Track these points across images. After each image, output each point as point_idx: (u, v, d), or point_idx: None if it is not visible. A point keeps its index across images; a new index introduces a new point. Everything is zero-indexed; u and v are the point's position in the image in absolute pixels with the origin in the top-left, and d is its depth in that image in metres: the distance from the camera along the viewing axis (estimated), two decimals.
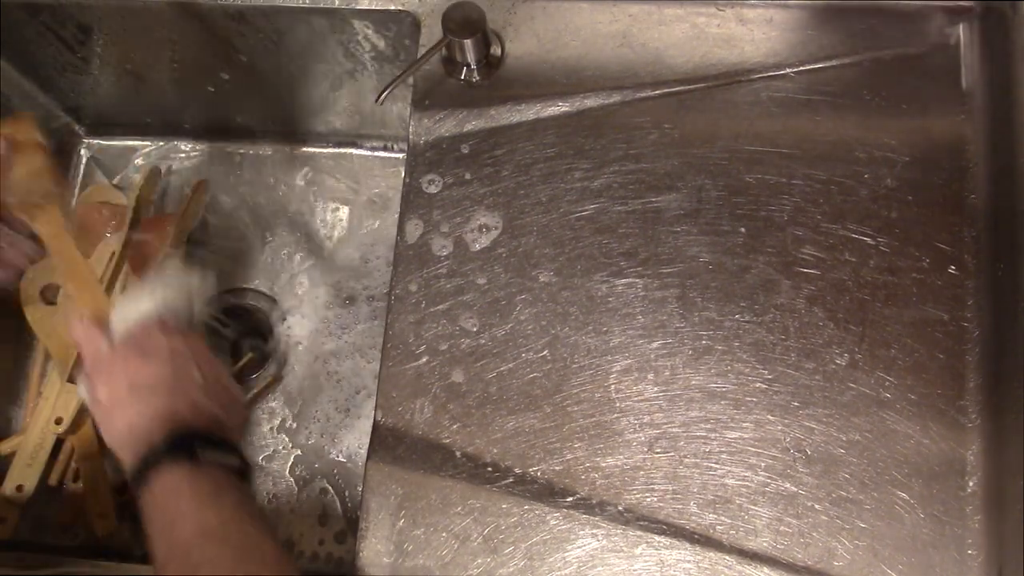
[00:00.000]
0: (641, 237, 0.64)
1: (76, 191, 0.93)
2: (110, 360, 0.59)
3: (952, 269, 0.62)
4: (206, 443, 0.54)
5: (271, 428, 0.83)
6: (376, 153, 0.92)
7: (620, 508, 0.58)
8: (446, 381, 0.61)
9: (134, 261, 0.85)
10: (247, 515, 0.51)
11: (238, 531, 0.50)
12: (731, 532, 0.57)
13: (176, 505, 0.51)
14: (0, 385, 0.85)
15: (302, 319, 0.86)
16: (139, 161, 0.94)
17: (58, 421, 0.78)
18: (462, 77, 0.69)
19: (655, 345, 0.61)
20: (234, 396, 0.61)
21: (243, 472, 0.57)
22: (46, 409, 0.79)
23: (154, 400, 0.56)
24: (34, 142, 0.66)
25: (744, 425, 0.59)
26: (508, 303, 0.63)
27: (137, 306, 0.62)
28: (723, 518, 0.57)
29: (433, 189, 0.66)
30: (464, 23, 0.65)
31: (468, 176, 0.66)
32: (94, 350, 0.60)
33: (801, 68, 0.67)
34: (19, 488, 0.77)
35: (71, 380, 0.75)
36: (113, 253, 0.84)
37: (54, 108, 0.91)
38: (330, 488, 0.81)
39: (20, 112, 0.74)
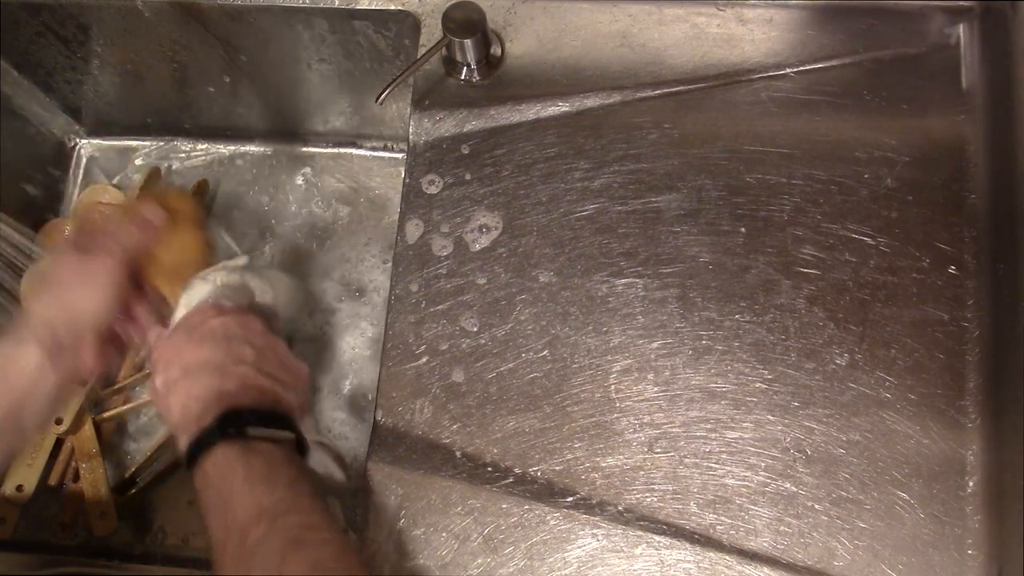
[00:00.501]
0: (641, 237, 0.64)
1: (76, 191, 0.93)
2: (165, 347, 0.58)
3: (952, 269, 0.62)
4: (258, 420, 0.53)
5: None
6: (376, 153, 0.92)
7: (620, 508, 0.58)
8: (446, 381, 0.61)
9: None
10: (302, 492, 0.51)
11: (292, 510, 0.49)
12: (731, 532, 0.57)
13: (230, 486, 0.50)
14: None
15: (301, 318, 0.86)
16: (139, 161, 0.94)
17: (58, 421, 0.78)
18: (462, 77, 0.69)
19: (655, 345, 0.61)
20: (294, 371, 0.60)
21: (299, 445, 0.56)
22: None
23: (204, 380, 0.55)
24: (192, 217, 0.65)
25: (744, 425, 0.59)
26: (508, 303, 0.63)
27: (194, 295, 0.61)
28: (723, 518, 0.57)
29: (433, 189, 0.66)
30: (464, 23, 0.65)
31: (468, 176, 0.66)
32: (155, 344, 0.60)
33: (801, 68, 0.67)
34: (19, 488, 0.77)
35: None
36: None
37: (54, 108, 0.91)
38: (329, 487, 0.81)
39: (179, 188, 0.74)
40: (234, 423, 0.52)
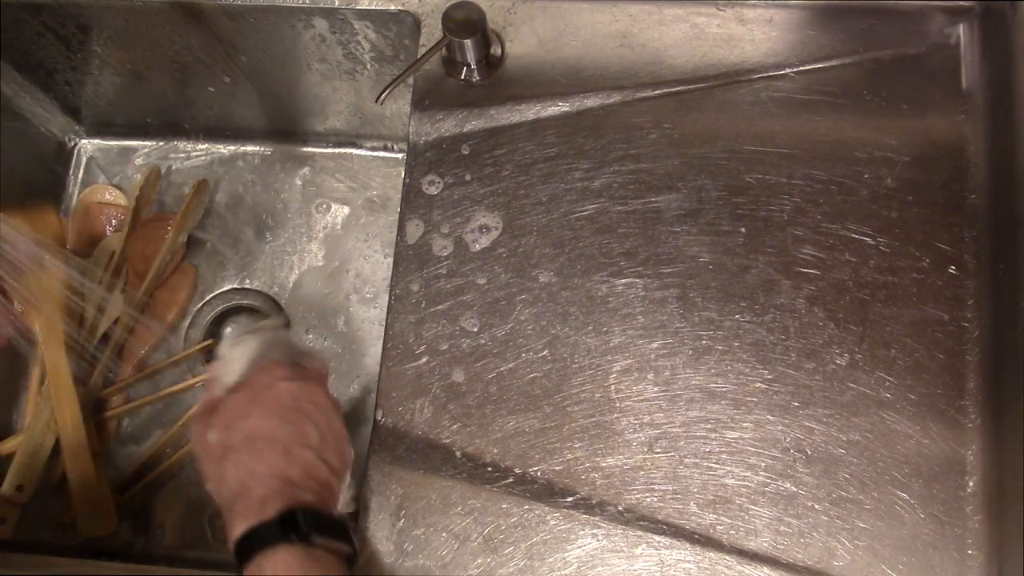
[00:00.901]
0: (641, 237, 0.64)
1: (76, 191, 0.93)
2: (229, 405, 0.54)
3: (952, 269, 0.62)
4: (318, 524, 0.50)
5: None
6: (376, 153, 0.92)
7: (620, 508, 0.58)
8: (446, 381, 0.61)
9: (134, 260, 0.85)
10: None
11: None
12: (731, 532, 0.57)
13: None
14: (0, 385, 0.85)
15: (302, 319, 0.86)
16: (139, 161, 0.94)
17: (19, 488, 0.78)
18: (462, 77, 0.69)
19: (655, 345, 0.61)
20: (346, 458, 0.56)
21: (351, 558, 0.52)
22: (45, 409, 0.79)
23: (269, 458, 0.51)
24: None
25: (744, 425, 0.59)
26: (508, 303, 0.63)
27: (241, 350, 0.57)
28: (723, 518, 0.57)
29: (433, 190, 0.66)
30: (464, 23, 0.65)
31: (468, 176, 0.66)
32: (210, 394, 0.57)
33: (801, 68, 0.67)
34: (19, 488, 0.77)
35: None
36: (114, 253, 0.84)
37: (54, 108, 0.91)
38: None
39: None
40: (298, 526, 0.49)
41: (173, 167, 0.93)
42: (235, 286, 0.88)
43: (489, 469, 0.59)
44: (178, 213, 0.86)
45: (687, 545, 0.57)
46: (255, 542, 0.48)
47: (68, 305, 0.81)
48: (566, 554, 0.57)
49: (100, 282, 0.83)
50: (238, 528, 0.49)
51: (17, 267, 0.76)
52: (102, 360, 0.81)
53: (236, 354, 0.57)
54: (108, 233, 0.87)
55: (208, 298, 0.87)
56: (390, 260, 0.65)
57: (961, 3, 0.67)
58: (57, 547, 0.80)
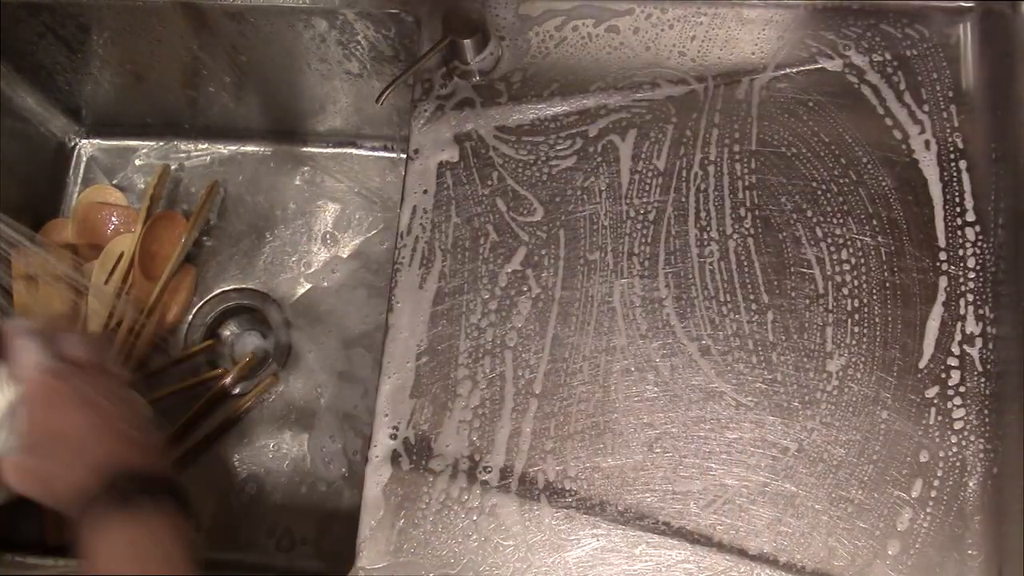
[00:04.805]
0: (641, 237, 0.64)
1: (76, 191, 0.93)
2: (26, 423, 0.54)
3: (952, 269, 0.62)
4: (139, 485, 0.51)
5: (271, 429, 0.83)
6: (376, 153, 0.92)
7: (620, 508, 0.58)
8: (446, 381, 0.61)
9: (143, 260, 0.85)
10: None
11: None
12: (731, 532, 0.57)
13: (106, 561, 0.49)
14: None
15: (301, 319, 0.86)
16: (139, 161, 0.93)
17: None
18: (462, 77, 0.69)
19: (655, 345, 0.61)
20: (143, 418, 0.57)
21: (183, 505, 0.53)
22: None
23: (77, 447, 0.53)
24: None
25: (744, 425, 0.59)
26: (508, 303, 0.63)
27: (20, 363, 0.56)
28: (723, 518, 0.57)
29: (433, 189, 0.66)
30: (464, 23, 0.65)
31: (468, 176, 0.66)
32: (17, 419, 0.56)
33: (801, 68, 0.67)
34: None
35: None
36: (122, 253, 0.84)
37: (54, 108, 0.91)
38: (330, 487, 0.81)
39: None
40: (121, 490, 0.50)
41: (173, 167, 0.93)
42: (235, 286, 0.88)
43: (489, 469, 0.59)
44: (193, 214, 0.86)
45: (687, 545, 0.57)
46: (87, 522, 0.49)
47: (72, 306, 0.81)
48: (566, 554, 0.57)
49: (106, 283, 0.83)
50: (73, 514, 0.50)
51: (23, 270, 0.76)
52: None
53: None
54: (109, 233, 0.87)
55: (208, 298, 0.87)
56: (390, 260, 0.65)
57: (961, 3, 0.67)
58: (58, 548, 0.80)
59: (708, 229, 0.64)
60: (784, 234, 0.63)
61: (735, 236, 0.63)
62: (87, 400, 0.54)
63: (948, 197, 0.63)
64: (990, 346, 0.60)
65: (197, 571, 0.49)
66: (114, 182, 0.93)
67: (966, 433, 0.59)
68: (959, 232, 0.62)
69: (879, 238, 0.63)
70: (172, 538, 0.50)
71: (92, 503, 0.50)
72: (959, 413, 0.59)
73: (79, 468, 0.51)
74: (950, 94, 0.65)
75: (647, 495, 0.58)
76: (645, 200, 0.65)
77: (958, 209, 0.63)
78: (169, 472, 0.54)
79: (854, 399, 0.59)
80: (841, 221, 0.63)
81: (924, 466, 0.58)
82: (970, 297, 0.61)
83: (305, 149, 0.93)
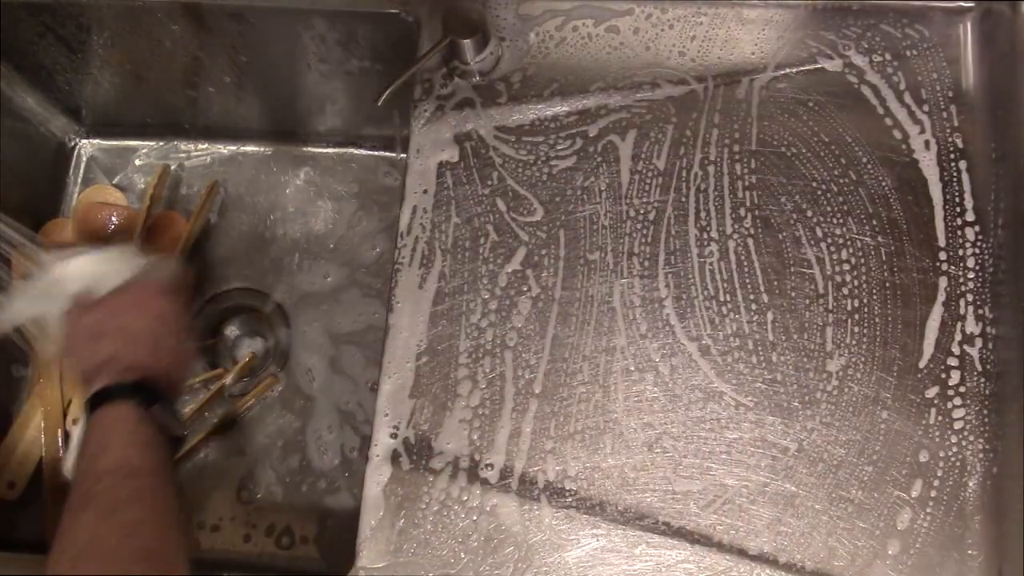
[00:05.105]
0: (641, 237, 0.64)
1: (76, 191, 0.93)
2: (109, 300, 0.65)
3: (952, 269, 0.62)
4: (162, 400, 0.60)
5: (271, 428, 0.83)
6: (376, 153, 0.92)
7: (620, 508, 0.58)
8: (446, 381, 0.61)
9: None
10: (165, 474, 0.57)
11: (149, 479, 0.56)
12: (731, 532, 0.57)
13: (114, 437, 0.57)
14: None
15: (302, 319, 0.86)
16: (139, 161, 0.93)
17: (75, 421, 0.79)
18: (462, 77, 0.69)
19: (655, 345, 0.61)
20: (188, 371, 0.69)
21: (178, 441, 0.63)
22: (37, 409, 0.79)
23: (137, 348, 0.62)
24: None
25: (744, 425, 0.59)
26: (508, 303, 0.63)
27: (113, 267, 0.67)
28: (723, 518, 0.57)
29: (433, 189, 0.66)
30: (464, 23, 0.65)
31: (468, 176, 0.66)
32: (88, 296, 0.66)
33: (801, 68, 0.67)
34: (11, 485, 0.78)
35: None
36: None
37: (54, 108, 0.91)
38: (330, 486, 0.81)
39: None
40: (146, 393, 0.59)
41: (173, 167, 0.93)
42: (235, 286, 0.88)
43: (489, 469, 0.59)
44: (193, 214, 0.86)
45: (687, 545, 0.57)
46: (109, 396, 0.59)
47: None
48: (566, 554, 0.57)
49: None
50: (98, 384, 0.59)
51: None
52: None
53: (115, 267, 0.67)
54: (109, 233, 0.87)
55: (208, 298, 0.87)
56: (390, 260, 0.65)
57: (961, 3, 0.67)
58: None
59: (708, 229, 0.64)
60: (784, 234, 0.63)
61: (735, 236, 0.63)
62: (166, 325, 0.65)
63: (948, 197, 0.63)
64: (990, 346, 0.60)
65: (157, 447, 0.58)
66: (114, 182, 0.93)
67: (966, 433, 0.59)
68: (959, 232, 0.62)
69: (879, 238, 0.63)
70: (163, 444, 0.59)
71: (117, 388, 0.59)
72: (959, 413, 0.59)
73: (123, 360, 0.61)
74: (950, 94, 0.65)
75: (647, 495, 0.58)
76: (645, 200, 0.65)
77: (958, 209, 0.63)
78: (131, 376, 0.61)
79: (854, 399, 0.59)
80: (841, 221, 0.63)
81: (924, 466, 0.58)
82: (970, 297, 0.61)
83: (305, 149, 0.93)
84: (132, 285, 0.66)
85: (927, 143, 0.64)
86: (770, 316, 0.61)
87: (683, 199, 0.64)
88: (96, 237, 0.87)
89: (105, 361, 0.61)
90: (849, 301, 0.61)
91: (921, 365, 0.60)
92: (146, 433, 0.58)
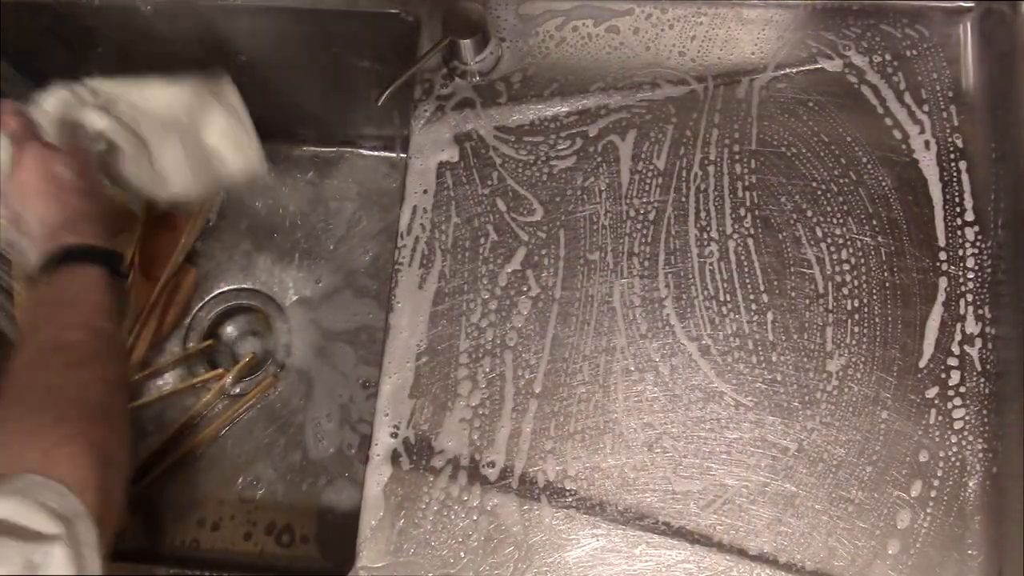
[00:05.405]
0: (641, 237, 0.64)
1: None
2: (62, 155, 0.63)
3: (952, 269, 0.62)
4: (86, 252, 0.60)
5: (270, 427, 0.83)
6: (376, 153, 0.92)
7: (620, 508, 0.58)
8: (446, 381, 0.61)
9: (143, 260, 0.85)
10: (122, 344, 0.60)
11: (112, 344, 0.57)
12: (731, 532, 0.57)
13: (86, 296, 0.57)
14: None
15: (302, 319, 0.86)
16: None
17: None
18: (462, 77, 0.69)
19: (655, 345, 0.61)
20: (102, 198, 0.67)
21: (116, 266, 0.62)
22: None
23: (98, 206, 0.62)
24: None
25: (744, 425, 0.59)
26: (509, 303, 0.63)
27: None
28: (723, 518, 0.57)
29: (433, 189, 0.66)
30: (464, 23, 0.65)
31: (468, 176, 0.66)
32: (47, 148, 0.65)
33: (801, 68, 0.67)
34: None
35: None
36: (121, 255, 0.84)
37: None
38: (330, 485, 0.81)
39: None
40: (114, 265, 0.60)
41: None
42: (235, 286, 0.88)
43: (489, 469, 0.59)
44: (193, 215, 0.86)
45: (687, 545, 0.57)
46: (81, 255, 0.59)
47: None
48: (566, 554, 0.57)
49: None
50: (70, 239, 0.59)
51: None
52: None
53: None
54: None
55: (208, 298, 0.87)
56: (390, 260, 0.65)
57: (961, 3, 0.67)
58: None
59: (708, 229, 0.64)
60: (784, 234, 0.63)
61: (735, 236, 0.63)
62: (62, 176, 0.62)
63: (948, 197, 0.63)
64: (990, 346, 0.60)
65: (116, 317, 0.59)
66: None
67: (966, 433, 0.59)
68: (959, 232, 0.62)
69: (879, 238, 0.63)
70: (102, 288, 0.59)
71: (79, 251, 0.59)
72: (959, 413, 0.59)
73: (43, 228, 0.60)
74: (950, 94, 0.66)
75: (647, 495, 0.58)
76: (645, 200, 0.65)
77: (958, 209, 0.63)
78: (109, 244, 0.62)
79: (854, 399, 0.59)
80: (841, 221, 0.63)
81: (924, 466, 0.58)
82: (970, 297, 0.61)
83: (305, 149, 0.93)
84: (19, 159, 0.63)
85: (927, 143, 0.64)
86: (770, 316, 0.61)
87: (683, 199, 0.64)
88: None
89: (71, 216, 0.60)
90: (849, 301, 0.61)
91: (921, 365, 0.60)
92: (111, 301, 0.59)
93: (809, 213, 0.63)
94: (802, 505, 0.58)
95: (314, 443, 0.82)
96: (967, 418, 0.59)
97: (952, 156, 0.64)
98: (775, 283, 0.62)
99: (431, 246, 0.65)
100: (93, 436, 0.51)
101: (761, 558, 0.57)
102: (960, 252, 0.62)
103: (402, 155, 0.90)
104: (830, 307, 0.61)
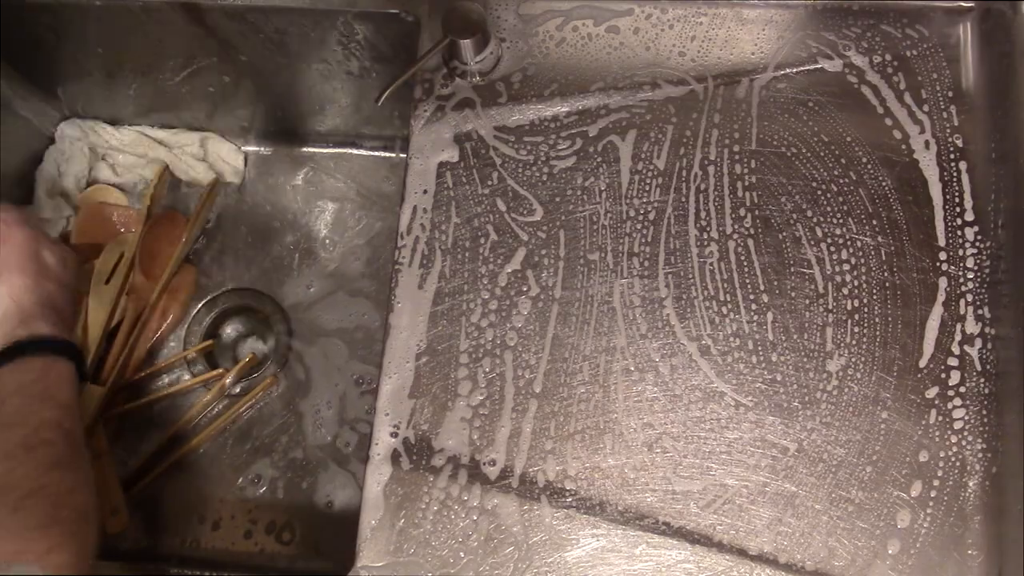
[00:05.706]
0: (641, 237, 0.64)
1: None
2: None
3: (952, 269, 0.62)
4: (49, 344, 0.61)
5: (270, 427, 0.83)
6: (376, 153, 0.92)
7: (620, 508, 0.58)
8: (446, 381, 0.61)
9: (143, 260, 0.85)
10: (83, 444, 0.59)
11: (80, 445, 0.58)
12: (731, 532, 0.57)
13: (56, 392, 0.58)
14: None
15: (302, 319, 0.86)
16: None
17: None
18: (462, 77, 0.69)
19: (655, 345, 0.61)
20: (72, 292, 0.69)
21: (78, 362, 0.63)
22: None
23: (68, 298, 0.64)
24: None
25: (744, 425, 0.59)
26: (509, 303, 0.63)
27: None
28: (723, 518, 0.57)
29: (433, 189, 0.66)
30: (464, 23, 0.65)
31: (468, 176, 0.66)
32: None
33: (801, 68, 0.67)
34: None
35: None
36: (122, 254, 0.84)
37: (54, 109, 0.91)
38: (330, 484, 0.81)
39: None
40: (79, 362, 0.61)
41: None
42: (235, 286, 0.88)
43: (489, 469, 0.59)
44: (193, 214, 0.86)
45: (687, 545, 0.57)
46: (51, 348, 0.60)
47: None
48: (566, 554, 0.57)
49: (107, 283, 0.83)
50: (44, 329, 0.61)
51: None
52: (108, 360, 0.81)
53: None
54: (109, 233, 0.87)
55: (208, 298, 0.87)
56: (390, 260, 0.65)
57: (961, 3, 0.67)
58: None
59: (708, 229, 0.64)
60: (784, 234, 0.63)
61: (735, 236, 0.63)
62: (47, 261, 0.65)
63: (948, 197, 0.63)
64: (990, 346, 0.60)
65: (76, 409, 0.60)
66: (115, 182, 0.93)
67: (966, 433, 0.59)
68: (959, 232, 0.62)
69: (879, 238, 0.63)
70: (72, 384, 0.61)
71: (50, 344, 0.60)
72: (959, 413, 0.59)
73: (14, 307, 0.61)
74: (950, 94, 0.66)
75: (647, 495, 0.58)
76: (645, 200, 0.65)
77: (958, 209, 0.63)
78: (71, 338, 0.64)
79: (854, 399, 0.59)
80: (841, 221, 0.63)
81: (924, 466, 0.58)
82: (970, 297, 0.61)
83: (305, 149, 0.93)
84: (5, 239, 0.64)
85: (927, 143, 0.64)
86: (770, 316, 0.61)
87: (683, 199, 0.64)
88: (98, 237, 0.87)
89: (46, 303, 0.61)
90: (849, 301, 0.61)
91: (921, 365, 0.60)
92: (75, 398, 0.60)
93: (809, 213, 0.63)
94: (802, 505, 0.58)
95: (314, 442, 0.82)
96: (967, 418, 0.59)
97: (952, 156, 0.64)
98: (775, 283, 0.62)
99: (431, 246, 0.65)
100: (81, 539, 0.53)
101: (761, 558, 0.57)
102: (960, 252, 0.62)
103: (402, 155, 0.90)
104: (830, 307, 0.61)
